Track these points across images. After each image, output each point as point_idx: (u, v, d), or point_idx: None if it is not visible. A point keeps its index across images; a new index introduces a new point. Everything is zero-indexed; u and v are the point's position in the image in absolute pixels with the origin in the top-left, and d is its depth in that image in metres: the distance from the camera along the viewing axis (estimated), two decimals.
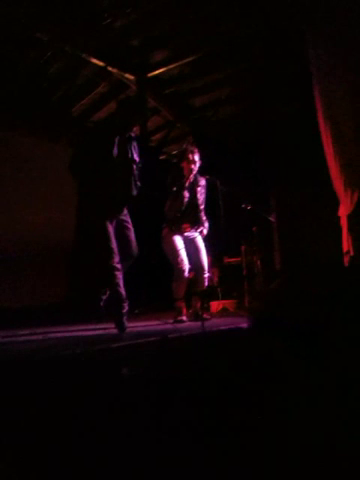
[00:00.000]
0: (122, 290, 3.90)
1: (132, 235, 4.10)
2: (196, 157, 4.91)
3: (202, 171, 5.09)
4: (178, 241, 4.87)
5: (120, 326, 3.86)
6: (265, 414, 0.85)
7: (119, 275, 3.90)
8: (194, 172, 4.93)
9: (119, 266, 3.90)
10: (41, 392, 1.33)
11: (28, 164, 6.95)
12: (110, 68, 6.75)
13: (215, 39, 6.33)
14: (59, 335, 4.11)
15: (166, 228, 4.93)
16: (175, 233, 4.89)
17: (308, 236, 7.41)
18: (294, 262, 7.26)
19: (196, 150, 4.95)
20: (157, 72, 7.02)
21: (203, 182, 5.06)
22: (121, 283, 3.90)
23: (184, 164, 4.94)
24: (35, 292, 6.75)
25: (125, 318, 3.88)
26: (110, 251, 3.87)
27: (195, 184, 4.96)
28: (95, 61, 6.53)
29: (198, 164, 4.93)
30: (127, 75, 7.02)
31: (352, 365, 0.76)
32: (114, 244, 3.92)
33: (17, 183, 6.84)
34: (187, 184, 4.92)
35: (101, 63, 6.60)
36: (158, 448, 0.86)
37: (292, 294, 0.93)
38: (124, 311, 3.88)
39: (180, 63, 6.83)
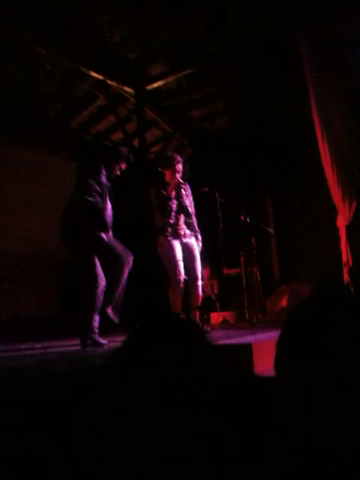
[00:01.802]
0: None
1: None
2: (180, 166, 4.92)
3: (201, 183, 5.12)
4: (176, 248, 4.83)
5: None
6: (265, 414, 0.85)
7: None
8: (177, 179, 4.93)
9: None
10: (41, 393, 1.32)
11: (26, 177, 6.97)
12: (109, 81, 6.81)
13: (211, 52, 6.38)
14: (58, 350, 4.11)
15: (162, 235, 4.90)
16: (172, 237, 4.85)
17: (306, 247, 7.42)
18: (292, 273, 7.25)
19: (181, 158, 4.97)
20: (155, 85, 7.08)
21: (187, 186, 5.03)
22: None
23: (168, 171, 4.94)
24: (31, 305, 6.74)
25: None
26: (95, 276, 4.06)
27: (179, 188, 4.94)
28: (94, 74, 6.60)
29: (181, 172, 4.94)
30: (126, 88, 7.09)
31: (352, 365, 0.76)
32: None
33: (15, 196, 6.85)
34: (171, 190, 4.91)
35: (100, 76, 6.66)
36: (158, 448, 0.86)
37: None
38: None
39: (178, 76, 6.89)
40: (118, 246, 4.16)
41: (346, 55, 5.55)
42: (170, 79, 6.98)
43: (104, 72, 6.67)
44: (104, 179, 4.19)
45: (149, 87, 7.12)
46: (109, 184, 4.25)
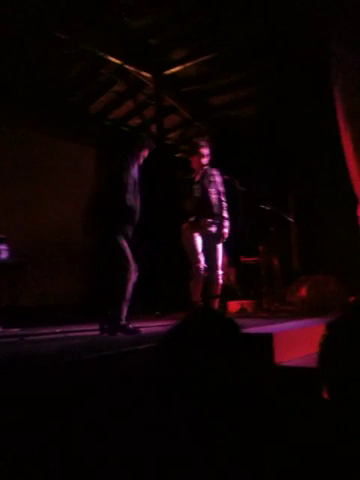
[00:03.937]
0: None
1: None
2: (206, 151, 4.88)
3: (221, 171, 5.06)
4: (197, 238, 4.82)
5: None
6: (265, 414, 0.85)
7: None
8: (204, 166, 4.90)
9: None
10: (41, 393, 1.32)
11: (46, 163, 6.98)
12: (127, 66, 6.75)
13: (232, 39, 6.28)
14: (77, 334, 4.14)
15: (186, 223, 4.89)
16: (195, 229, 4.85)
17: (326, 236, 7.35)
18: (312, 262, 7.21)
19: (206, 144, 4.92)
20: (174, 70, 7.00)
21: (214, 172, 5.00)
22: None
23: (194, 158, 4.91)
24: (51, 292, 6.78)
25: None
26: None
27: (206, 176, 4.91)
28: (112, 59, 6.53)
29: (208, 158, 4.89)
30: (144, 73, 7.02)
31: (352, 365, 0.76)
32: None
33: (34, 182, 6.86)
34: (198, 177, 4.88)
35: (118, 61, 6.60)
36: (158, 448, 0.86)
37: None
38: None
39: (197, 61, 6.79)
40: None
41: None
42: (189, 64, 6.89)
43: (123, 57, 6.60)
44: (137, 172, 4.11)
45: (167, 72, 7.04)
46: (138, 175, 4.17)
